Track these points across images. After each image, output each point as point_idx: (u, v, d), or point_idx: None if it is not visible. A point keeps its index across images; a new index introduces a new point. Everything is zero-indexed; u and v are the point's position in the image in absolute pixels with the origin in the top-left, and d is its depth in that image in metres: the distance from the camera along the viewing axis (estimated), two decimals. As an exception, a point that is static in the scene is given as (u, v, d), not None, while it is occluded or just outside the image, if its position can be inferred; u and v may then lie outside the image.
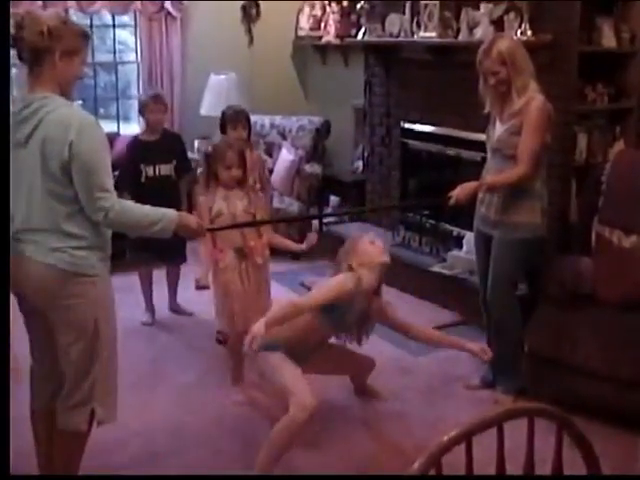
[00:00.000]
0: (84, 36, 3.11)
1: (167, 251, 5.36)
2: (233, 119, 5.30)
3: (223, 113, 5.43)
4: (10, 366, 2.86)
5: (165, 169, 5.45)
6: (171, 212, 3.22)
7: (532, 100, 4.08)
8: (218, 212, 4.39)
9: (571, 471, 1.88)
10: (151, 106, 5.43)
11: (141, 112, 5.56)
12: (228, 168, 4.42)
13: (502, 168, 4.20)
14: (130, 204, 3.15)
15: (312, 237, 4.61)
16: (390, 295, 5.88)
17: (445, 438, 1.66)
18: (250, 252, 4.44)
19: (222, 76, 7.61)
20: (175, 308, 5.86)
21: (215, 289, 4.50)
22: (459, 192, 4.14)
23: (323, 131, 7.86)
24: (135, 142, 5.60)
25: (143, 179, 5.38)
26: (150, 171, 5.39)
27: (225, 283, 4.42)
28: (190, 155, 7.38)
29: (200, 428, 4.16)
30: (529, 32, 5.05)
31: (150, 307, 5.76)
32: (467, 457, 1.70)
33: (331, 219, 7.56)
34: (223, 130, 5.30)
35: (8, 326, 2.85)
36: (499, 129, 4.24)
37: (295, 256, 6.61)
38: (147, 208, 3.20)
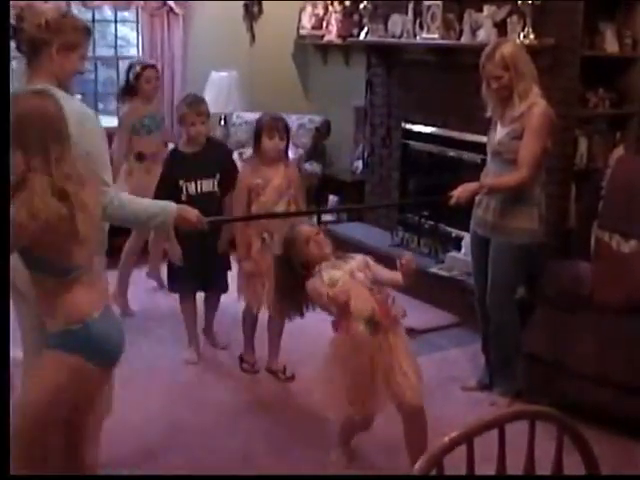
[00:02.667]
0: (85, 30, 3.09)
1: (210, 279, 4.91)
2: (270, 127, 4.50)
3: (259, 120, 4.67)
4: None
5: (208, 185, 4.76)
6: (171, 205, 3.21)
7: (534, 105, 4.08)
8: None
9: (570, 473, 1.88)
10: (192, 117, 4.75)
11: (180, 122, 4.89)
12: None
13: (502, 172, 4.21)
14: (129, 197, 3.13)
15: (408, 259, 3.55)
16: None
17: (446, 439, 1.67)
18: (390, 322, 3.46)
19: (223, 73, 7.59)
20: (211, 341, 5.23)
21: (332, 369, 3.52)
22: (460, 192, 4.14)
23: (323, 130, 7.86)
24: (173, 155, 4.97)
25: (184, 197, 4.62)
26: (191, 188, 4.71)
27: (356, 367, 3.41)
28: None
29: (197, 425, 4.16)
30: (532, 35, 5.05)
31: (195, 341, 5.06)
32: (468, 458, 1.70)
33: (329, 218, 7.55)
34: (258, 139, 4.54)
35: (8, 326, 2.83)
36: (500, 133, 4.24)
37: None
38: (146, 201, 3.19)
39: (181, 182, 4.70)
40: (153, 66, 5.93)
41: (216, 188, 4.78)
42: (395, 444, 3.68)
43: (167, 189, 4.65)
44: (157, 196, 4.48)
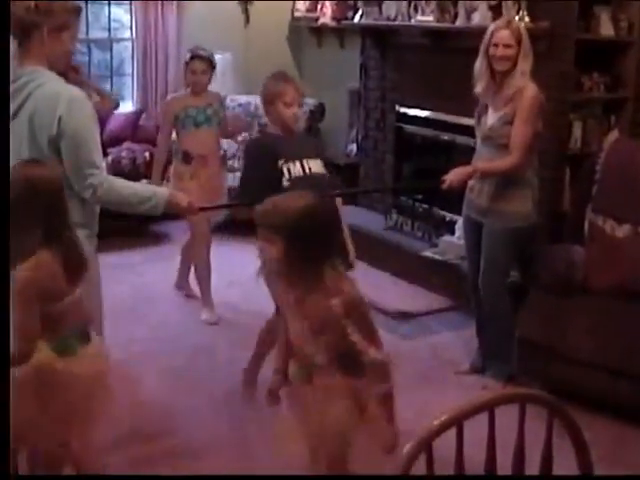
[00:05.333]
0: (74, 11, 3.08)
1: None
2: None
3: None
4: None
5: (316, 165, 3.81)
6: (162, 190, 3.20)
7: (525, 89, 4.08)
8: None
9: (560, 457, 1.88)
10: (287, 97, 3.89)
11: (270, 104, 3.93)
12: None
13: (493, 156, 4.20)
14: (119, 181, 3.12)
15: None
16: (382, 279, 5.92)
17: (436, 422, 1.66)
18: None
19: (217, 56, 7.50)
20: None
21: None
22: (453, 176, 4.14)
23: (317, 113, 7.83)
24: (263, 136, 4.35)
25: (286, 181, 3.69)
26: (295, 169, 3.73)
27: None
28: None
29: (192, 408, 4.16)
30: (527, 19, 5.03)
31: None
32: (457, 442, 1.70)
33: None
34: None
35: (8, 326, 2.81)
36: (492, 117, 4.23)
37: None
38: (137, 185, 3.18)
39: (281, 163, 3.73)
40: (201, 57, 5.24)
41: (325, 171, 3.89)
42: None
43: (261, 176, 3.70)
44: (246, 186, 3.82)
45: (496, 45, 4.11)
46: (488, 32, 4.16)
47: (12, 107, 2.92)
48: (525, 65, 4.08)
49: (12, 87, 2.92)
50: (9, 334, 2.73)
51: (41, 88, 2.91)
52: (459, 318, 5.29)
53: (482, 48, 4.17)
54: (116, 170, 6.24)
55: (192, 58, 5.20)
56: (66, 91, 2.96)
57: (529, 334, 4.27)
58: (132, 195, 3.09)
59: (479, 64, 4.20)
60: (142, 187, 3.18)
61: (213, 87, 5.46)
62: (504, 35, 4.10)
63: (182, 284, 5.70)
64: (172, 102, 5.37)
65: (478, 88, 4.25)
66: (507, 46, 4.08)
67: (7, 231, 2.36)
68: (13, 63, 3.00)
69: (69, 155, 2.92)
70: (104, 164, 3.09)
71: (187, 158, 5.19)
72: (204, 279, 5.37)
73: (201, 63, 5.20)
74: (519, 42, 4.07)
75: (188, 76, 5.24)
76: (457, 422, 1.68)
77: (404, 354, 4.89)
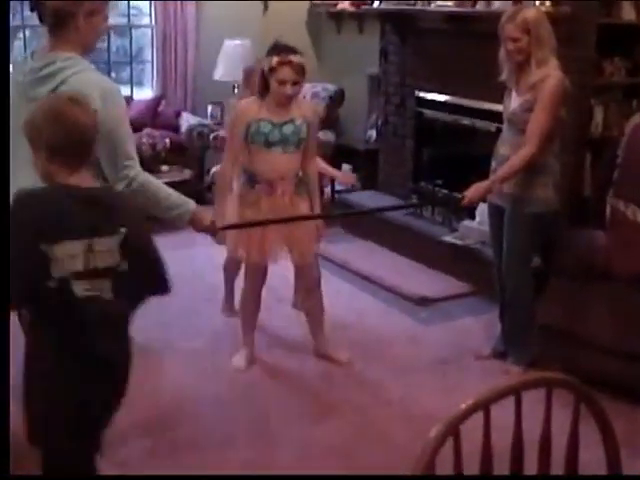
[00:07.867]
0: None
1: None
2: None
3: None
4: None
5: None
6: (190, 202, 3.19)
7: (549, 77, 4.06)
8: None
9: (585, 442, 1.88)
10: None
11: None
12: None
13: (517, 141, 4.18)
14: (153, 179, 3.10)
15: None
16: (402, 264, 5.93)
17: (463, 406, 1.67)
18: None
19: (236, 42, 7.57)
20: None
21: None
22: (472, 192, 4.17)
23: (337, 99, 7.83)
24: None
25: None
26: None
27: None
28: (204, 121, 7.46)
29: (209, 393, 4.18)
30: (548, 3, 5.00)
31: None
32: (485, 426, 1.70)
33: (342, 187, 7.54)
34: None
35: (8, 325, 2.82)
36: (514, 102, 4.22)
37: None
38: (171, 190, 3.15)
39: None
40: (294, 63, 4.03)
41: None
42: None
43: None
44: None
45: (506, 39, 4.12)
46: (499, 26, 4.16)
47: (42, 91, 2.89)
48: (541, 53, 4.06)
49: (44, 71, 2.91)
50: (9, 329, 2.73)
51: (76, 76, 2.89)
52: (479, 303, 5.29)
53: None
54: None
55: (281, 64, 4.03)
56: (101, 83, 2.94)
57: (550, 320, 4.28)
58: (163, 198, 3.08)
59: (501, 53, 4.20)
60: (174, 192, 3.16)
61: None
62: (509, 29, 4.09)
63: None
64: (245, 109, 4.22)
65: (503, 75, 4.25)
66: (514, 40, 4.08)
67: (7, 231, 2.33)
68: (44, 49, 3.00)
69: (105, 147, 2.89)
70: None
71: (252, 181, 4.25)
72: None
73: (291, 72, 4.04)
74: (528, 32, 4.06)
75: (274, 85, 4.07)
76: (484, 406, 1.69)
77: (425, 339, 4.90)
